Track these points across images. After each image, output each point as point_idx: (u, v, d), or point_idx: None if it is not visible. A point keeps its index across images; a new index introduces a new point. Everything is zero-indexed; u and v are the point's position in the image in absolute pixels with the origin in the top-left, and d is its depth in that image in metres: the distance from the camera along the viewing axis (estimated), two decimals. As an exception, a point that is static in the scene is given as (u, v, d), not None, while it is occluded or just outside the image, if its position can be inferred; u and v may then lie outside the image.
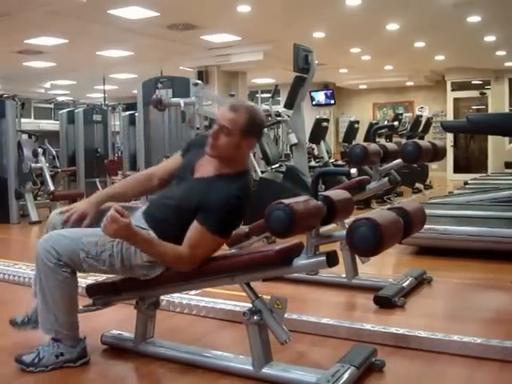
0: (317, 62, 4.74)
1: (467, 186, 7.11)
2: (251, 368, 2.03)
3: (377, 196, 6.89)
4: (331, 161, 8.08)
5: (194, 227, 2.01)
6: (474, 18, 7.73)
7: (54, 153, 7.74)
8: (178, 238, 2.03)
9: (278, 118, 6.34)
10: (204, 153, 2.13)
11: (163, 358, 2.27)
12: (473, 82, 13.16)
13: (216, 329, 2.71)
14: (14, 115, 6.89)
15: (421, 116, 10.57)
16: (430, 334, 2.37)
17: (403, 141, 7.10)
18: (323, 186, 4.57)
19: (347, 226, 1.92)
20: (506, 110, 12.16)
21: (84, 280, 3.03)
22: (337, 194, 2.38)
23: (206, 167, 2.15)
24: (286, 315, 2.01)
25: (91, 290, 2.35)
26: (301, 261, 1.94)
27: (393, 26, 8.17)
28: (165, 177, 2.30)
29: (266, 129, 7.94)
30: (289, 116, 5.67)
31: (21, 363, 2.17)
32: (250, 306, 2.00)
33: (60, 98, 12.52)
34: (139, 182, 2.34)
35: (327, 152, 7.96)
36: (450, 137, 12.79)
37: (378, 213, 2.00)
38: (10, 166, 6.67)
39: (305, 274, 3.32)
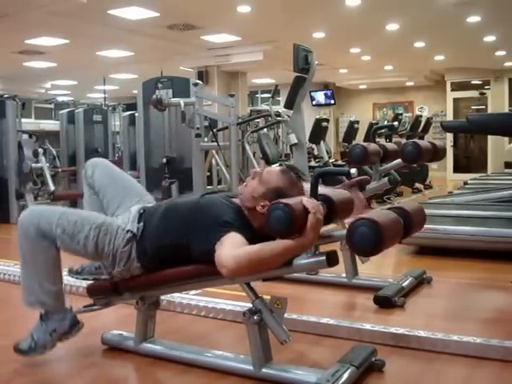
0: (317, 62, 4.73)
1: (467, 186, 7.11)
2: (251, 368, 2.03)
3: (377, 196, 6.89)
4: (331, 161, 8.07)
5: None
6: (474, 18, 7.73)
7: (55, 153, 7.74)
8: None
9: (278, 118, 6.33)
10: None
11: (163, 357, 2.27)
12: (472, 82, 13.17)
13: (216, 329, 2.71)
14: (15, 115, 6.89)
15: (420, 116, 10.56)
16: (429, 334, 2.37)
17: (403, 141, 7.09)
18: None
19: (347, 226, 1.92)
20: (506, 110, 12.15)
21: (84, 280, 3.04)
22: (337, 193, 2.38)
23: None
24: (285, 315, 2.01)
25: (92, 290, 2.35)
26: (301, 261, 1.94)
27: (393, 26, 8.17)
28: None
29: (265, 129, 7.96)
30: (289, 116, 5.66)
31: (20, 352, 2.16)
32: (250, 305, 2.00)
33: (60, 98, 12.53)
34: None
35: (327, 152, 7.94)
36: (449, 137, 12.79)
37: (378, 213, 2.00)
38: (11, 166, 6.67)
39: (305, 274, 3.33)
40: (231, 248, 1.88)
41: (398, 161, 3.37)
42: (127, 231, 2.14)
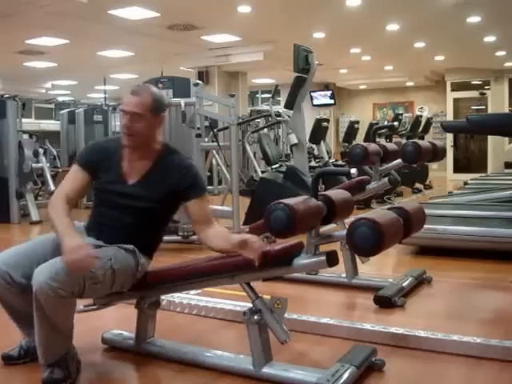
0: (317, 62, 4.75)
1: (467, 186, 7.11)
2: (251, 367, 2.03)
3: (377, 196, 6.89)
4: (331, 161, 8.08)
5: (202, 203, 2.12)
6: (474, 19, 7.74)
7: (55, 153, 7.76)
8: (147, 235, 2.19)
9: (279, 118, 6.34)
10: (117, 158, 2.16)
11: (163, 357, 2.27)
12: (473, 83, 13.17)
13: (216, 328, 2.72)
14: (15, 115, 6.90)
15: (421, 116, 10.57)
16: (429, 334, 2.37)
17: (403, 141, 7.10)
18: (323, 186, 4.58)
19: (347, 226, 1.93)
20: (506, 110, 12.16)
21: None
22: (337, 193, 2.38)
23: (135, 168, 2.16)
24: (286, 315, 2.02)
25: (92, 289, 2.35)
26: (301, 261, 1.94)
27: (393, 27, 8.18)
28: (76, 197, 2.23)
29: (266, 129, 7.96)
30: (289, 116, 5.68)
31: (58, 381, 1.99)
32: (251, 305, 2.01)
33: (61, 98, 12.55)
34: (67, 210, 2.13)
35: (327, 152, 7.96)
36: (449, 137, 12.80)
37: (378, 213, 2.01)
38: (11, 165, 6.67)
39: (305, 274, 3.33)
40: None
41: (398, 161, 3.38)
42: (133, 250, 2.10)
